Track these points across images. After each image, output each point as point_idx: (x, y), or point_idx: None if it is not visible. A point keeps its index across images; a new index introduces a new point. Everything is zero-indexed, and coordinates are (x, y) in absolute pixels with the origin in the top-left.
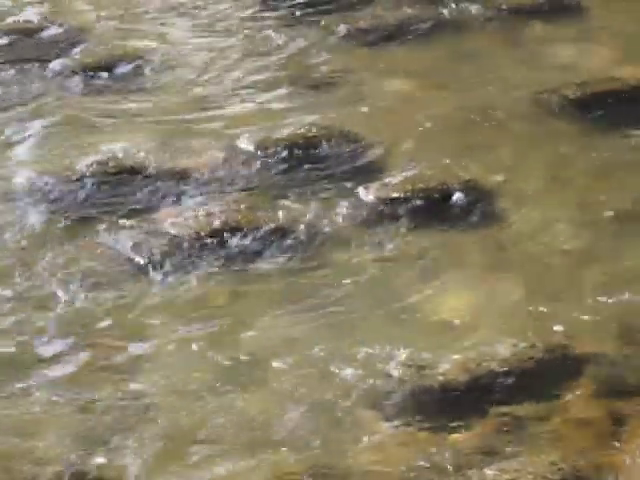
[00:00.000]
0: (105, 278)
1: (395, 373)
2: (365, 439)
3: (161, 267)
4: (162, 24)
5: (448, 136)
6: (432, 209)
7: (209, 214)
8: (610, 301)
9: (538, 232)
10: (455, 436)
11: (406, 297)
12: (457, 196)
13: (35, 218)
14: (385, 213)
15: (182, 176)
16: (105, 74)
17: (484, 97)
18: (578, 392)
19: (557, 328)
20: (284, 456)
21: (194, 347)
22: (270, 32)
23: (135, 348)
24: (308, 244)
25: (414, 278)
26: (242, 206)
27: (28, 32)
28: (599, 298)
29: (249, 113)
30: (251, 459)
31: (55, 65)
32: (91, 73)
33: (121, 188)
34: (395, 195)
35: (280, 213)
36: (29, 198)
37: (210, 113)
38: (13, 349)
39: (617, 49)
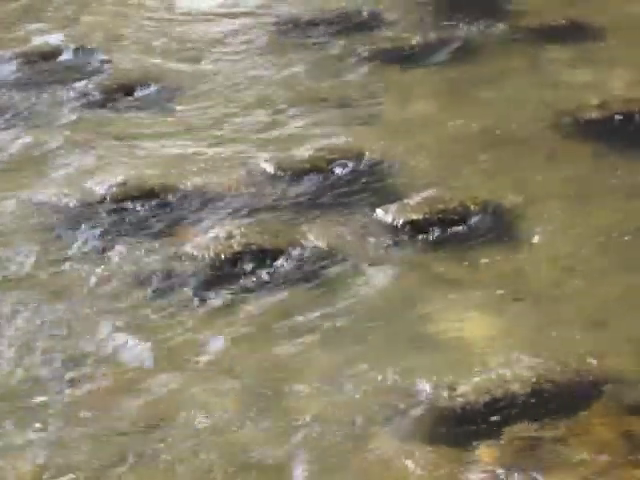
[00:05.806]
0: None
1: (415, 394)
2: (385, 461)
3: (182, 289)
4: (181, 48)
5: (467, 157)
6: (451, 230)
7: (230, 236)
8: (631, 322)
9: (557, 253)
10: (475, 458)
11: (425, 319)
12: (476, 217)
13: (58, 240)
14: (404, 234)
15: (202, 198)
16: (124, 97)
17: (504, 118)
18: (597, 413)
19: (576, 350)
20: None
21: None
22: (288, 54)
23: None
24: (327, 265)
25: (433, 299)
26: (262, 228)
27: (48, 55)
28: (619, 319)
29: (268, 134)
30: None
31: (75, 88)
32: (110, 96)
33: (141, 210)
34: (414, 216)
35: (299, 234)
36: (49, 221)
37: (229, 135)
38: None
39: (636, 71)
